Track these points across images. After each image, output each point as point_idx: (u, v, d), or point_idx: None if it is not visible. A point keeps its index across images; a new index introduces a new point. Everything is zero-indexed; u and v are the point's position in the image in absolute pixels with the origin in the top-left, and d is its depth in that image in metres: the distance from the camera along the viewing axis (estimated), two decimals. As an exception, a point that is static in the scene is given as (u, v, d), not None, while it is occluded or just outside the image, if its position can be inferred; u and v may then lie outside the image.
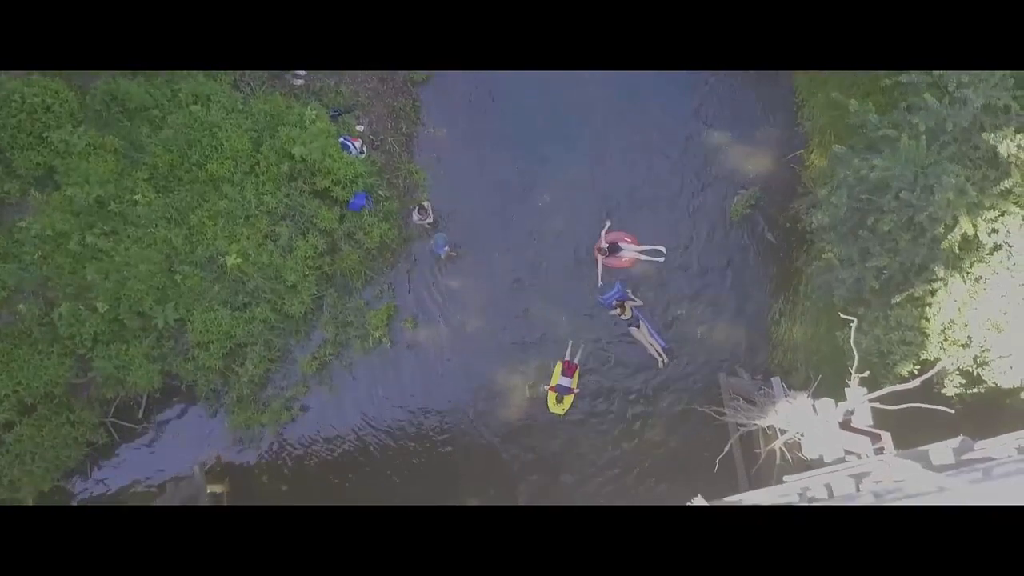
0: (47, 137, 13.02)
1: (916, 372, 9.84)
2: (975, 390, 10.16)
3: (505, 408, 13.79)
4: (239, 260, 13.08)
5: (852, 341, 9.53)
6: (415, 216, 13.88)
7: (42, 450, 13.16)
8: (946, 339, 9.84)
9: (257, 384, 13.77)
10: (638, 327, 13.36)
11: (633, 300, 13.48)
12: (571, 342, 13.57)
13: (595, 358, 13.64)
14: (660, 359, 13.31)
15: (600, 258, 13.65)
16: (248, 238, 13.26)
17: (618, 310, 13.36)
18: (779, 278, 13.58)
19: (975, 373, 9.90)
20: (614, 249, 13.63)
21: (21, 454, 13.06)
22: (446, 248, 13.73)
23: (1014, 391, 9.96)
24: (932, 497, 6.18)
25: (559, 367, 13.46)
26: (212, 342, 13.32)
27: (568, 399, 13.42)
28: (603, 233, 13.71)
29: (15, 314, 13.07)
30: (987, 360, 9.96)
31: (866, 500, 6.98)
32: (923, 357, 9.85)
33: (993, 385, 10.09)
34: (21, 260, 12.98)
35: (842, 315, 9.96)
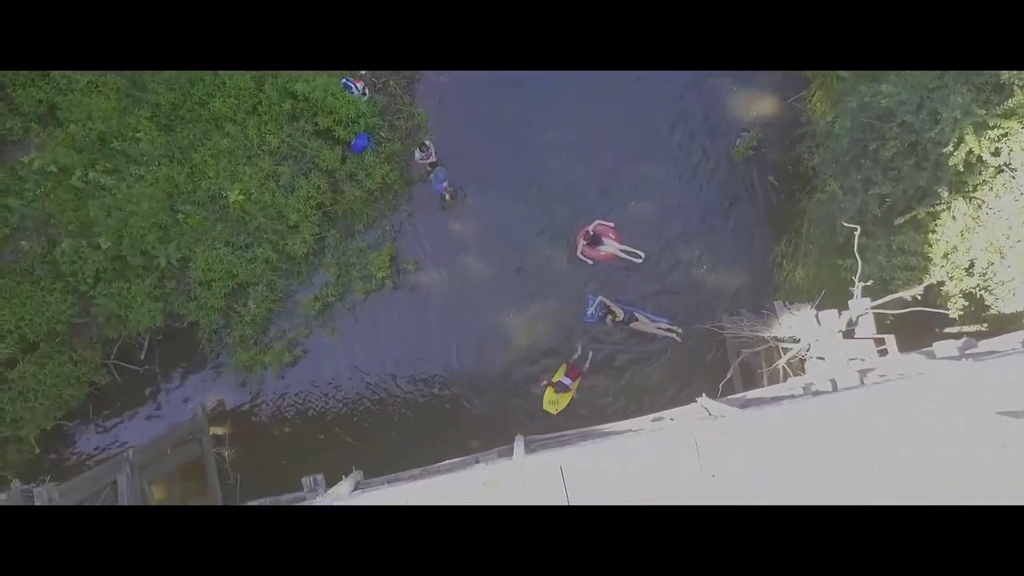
0: (49, 74, 13.00)
1: (919, 297, 9.87)
2: (979, 315, 10.20)
3: (507, 353, 13.81)
4: (241, 198, 13.06)
5: (856, 249, 9.59)
6: (417, 155, 13.87)
7: (44, 388, 13.17)
8: (949, 262, 9.85)
9: (259, 325, 13.79)
10: (637, 320, 13.30)
11: (613, 308, 13.28)
12: (580, 344, 13.53)
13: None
14: (675, 333, 13.27)
15: (581, 243, 13.56)
16: (250, 177, 13.25)
17: (609, 317, 13.26)
18: (781, 221, 13.59)
19: (979, 295, 9.92)
20: (596, 241, 13.56)
21: (24, 391, 13.07)
22: (445, 184, 13.70)
23: (1017, 316, 9.97)
24: (930, 378, 6.20)
25: (563, 368, 13.42)
26: (214, 281, 13.33)
27: (564, 398, 13.31)
28: (595, 224, 13.64)
29: (17, 251, 13.08)
30: (990, 286, 9.98)
31: (871, 385, 7.00)
32: (926, 282, 9.88)
33: (996, 312, 10.11)
34: (23, 196, 12.98)
35: (845, 224, 10.01)
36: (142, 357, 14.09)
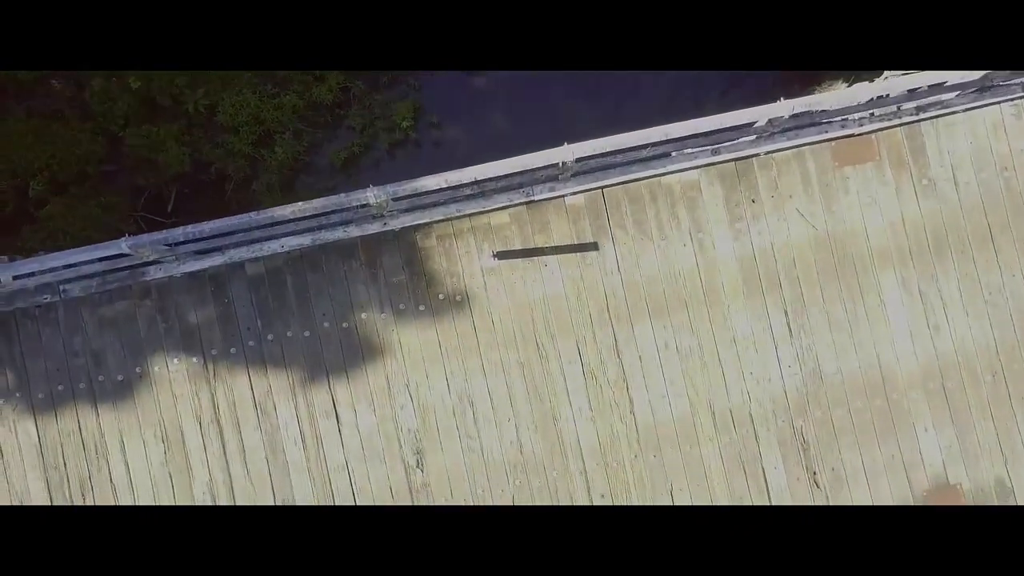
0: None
1: None
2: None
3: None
4: (269, 41, 13.19)
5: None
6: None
7: (74, 230, 13.27)
8: None
9: (287, 172, 13.92)
10: None
11: None
12: None
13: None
14: None
15: None
16: (278, 24, 13.38)
17: None
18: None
19: None
20: None
21: (53, 232, 13.19)
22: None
23: None
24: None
25: None
26: (241, 126, 13.47)
27: None
28: None
29: (49, 91, 13.23)
30: None
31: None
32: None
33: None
34: (55, 35, 13.13)
35: None
36: (169, 210, 14.22)
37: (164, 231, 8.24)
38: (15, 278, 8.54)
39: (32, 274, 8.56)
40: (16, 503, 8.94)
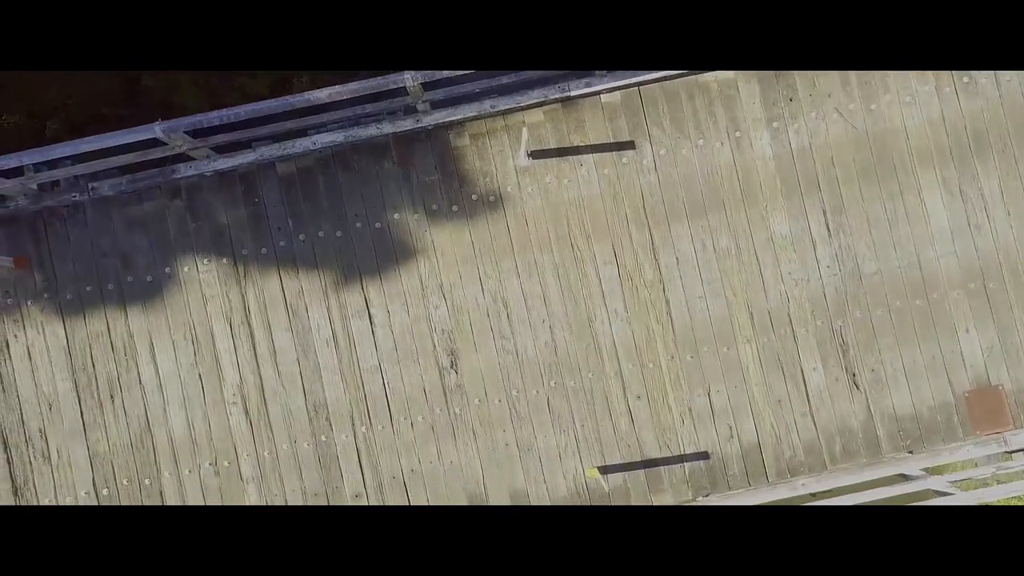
0: None
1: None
2: None
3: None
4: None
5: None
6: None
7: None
8: None
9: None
10: None
11: None
12: None
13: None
14: None
15: None
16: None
17: None
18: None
19: None
20: None
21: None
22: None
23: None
24: None
25: None
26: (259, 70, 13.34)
27: None
28: None
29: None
30: None
31: None
32: None
33: None
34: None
35: None
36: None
37: (198, 115, 8.12)
38: (48, 165, 8.44)
39: (63, 161, 8.45)
40: (45, 405, 8.82)
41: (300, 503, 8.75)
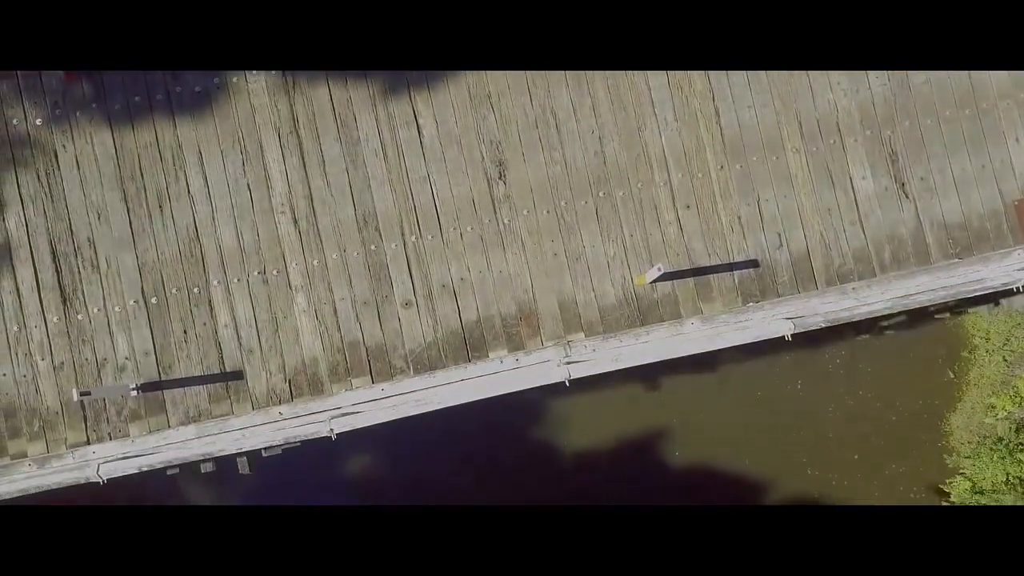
0: None
1: None
2: None
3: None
4: None
5: None
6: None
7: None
8: None
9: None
10: None
11: None
12: None
13: None
14: None
15: None
16: None
17: None
18: None
19: None
20: None
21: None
22: None
23: None
24: None
25: None
26: None
27: None
28: None
29: None
30: None
31: None
32: None
33: None
34: None
35: None
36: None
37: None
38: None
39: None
40: (94, 215, 8.81)
41: (349, 312, 8.75)
